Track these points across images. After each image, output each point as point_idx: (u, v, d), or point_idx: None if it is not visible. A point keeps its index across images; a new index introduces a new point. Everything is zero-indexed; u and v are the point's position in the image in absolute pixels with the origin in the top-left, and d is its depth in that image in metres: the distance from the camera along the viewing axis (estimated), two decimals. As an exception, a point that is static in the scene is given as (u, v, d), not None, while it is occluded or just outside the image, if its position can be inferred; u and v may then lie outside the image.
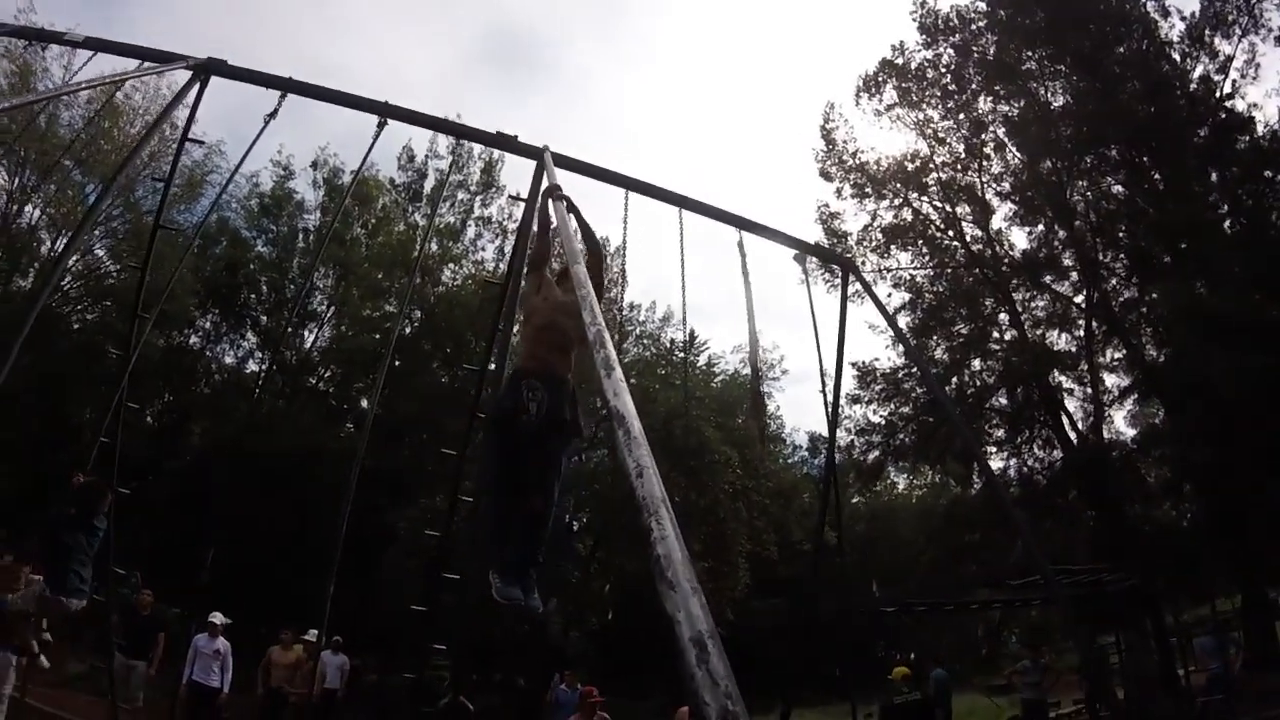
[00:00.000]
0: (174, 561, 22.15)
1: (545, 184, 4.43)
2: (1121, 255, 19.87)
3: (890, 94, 22.06)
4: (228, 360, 27.52)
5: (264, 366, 25.97)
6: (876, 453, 22.15)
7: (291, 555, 20.65)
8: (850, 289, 9.61)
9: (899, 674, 9.47)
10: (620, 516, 20.97)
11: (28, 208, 21.66)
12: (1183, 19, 19.30)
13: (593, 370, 1.87)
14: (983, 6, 21.13)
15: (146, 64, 7.23)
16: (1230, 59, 18.77)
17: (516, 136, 7.33)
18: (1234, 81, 18.71)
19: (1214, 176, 18.97)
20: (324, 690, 10.40)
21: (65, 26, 12.94)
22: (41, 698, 10.42)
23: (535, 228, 4.40)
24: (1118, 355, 20.45)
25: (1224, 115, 18.57)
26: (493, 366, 8.95)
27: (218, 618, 9.82)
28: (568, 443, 3.75)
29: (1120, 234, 19.68)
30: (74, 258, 21.92)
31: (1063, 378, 20.66)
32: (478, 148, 25.76)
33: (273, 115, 7.30)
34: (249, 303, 26.36)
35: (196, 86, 7.24)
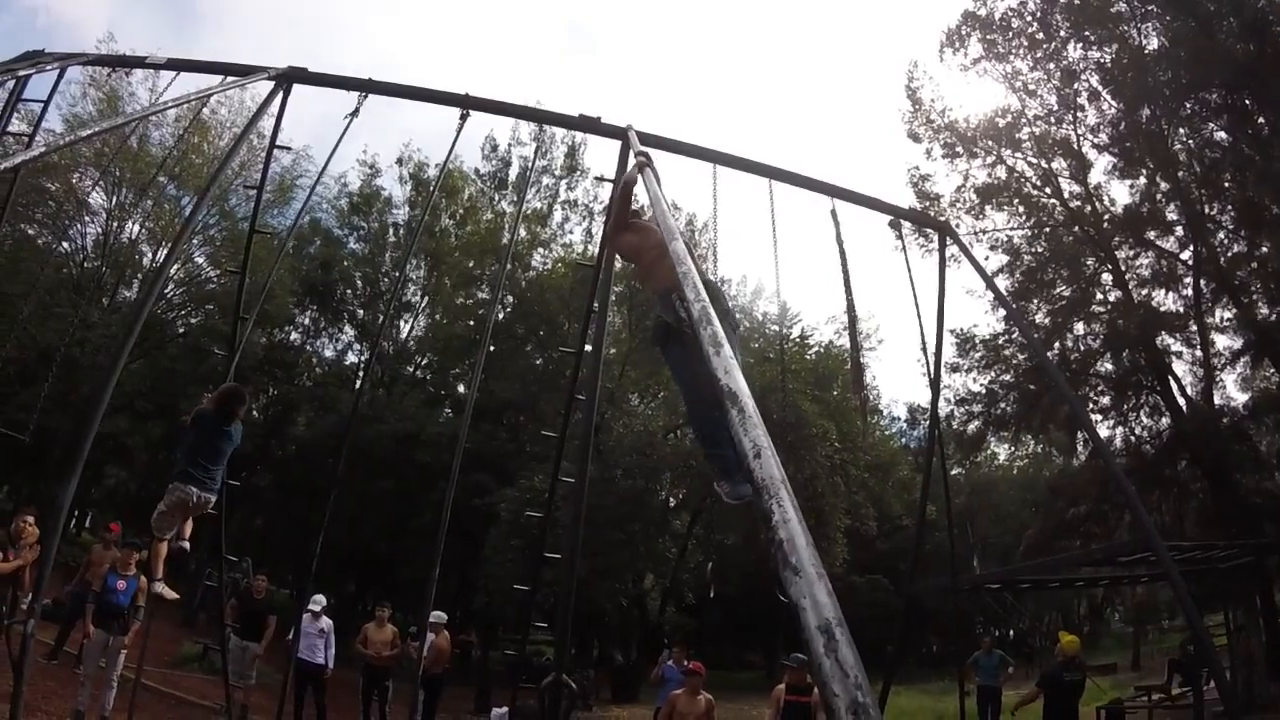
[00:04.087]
0: (283, 546, 23.62)
1: (633, 158, 4.39)
2: (1229, 207, 18.45)
3: (975, 47, 20.94)
4: (327, 354, 28.97)
5: (363, 358, 27.09)
6: (977, 423, 21.34)
7: (395, 537, 21.57)
8: (947, 253, 9.25)
9: (1069, 643, 8.97)
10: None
11: (127, 224, 23.01)
12: None
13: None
14: (1067, -52, 19.81)
15: (229, 78, 7.52)
16: (1329, -11, 17.01)
17: (600, 118, 7.29)
18: (1334, 14, 16.97)
19: (1322, 117, 17.32)
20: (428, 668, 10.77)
21: (145, 51, 13.65)
22: (157, 678, 11.12)
23: (618, 195, 4.43)
24: (1228, 315, 19.06)
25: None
26: (588, 348, 9.04)
27: (318, 602, 10.28)
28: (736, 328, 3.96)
29: (1226, 184, 18.25)
30: (175, 266, 23.33)
31: (1170, 340, 19.45)
32: (560, 133, 26.08)
33: (354, 114, 7.49)
34: (345, 298, 27.54)
35: (280, 95, 7.51)
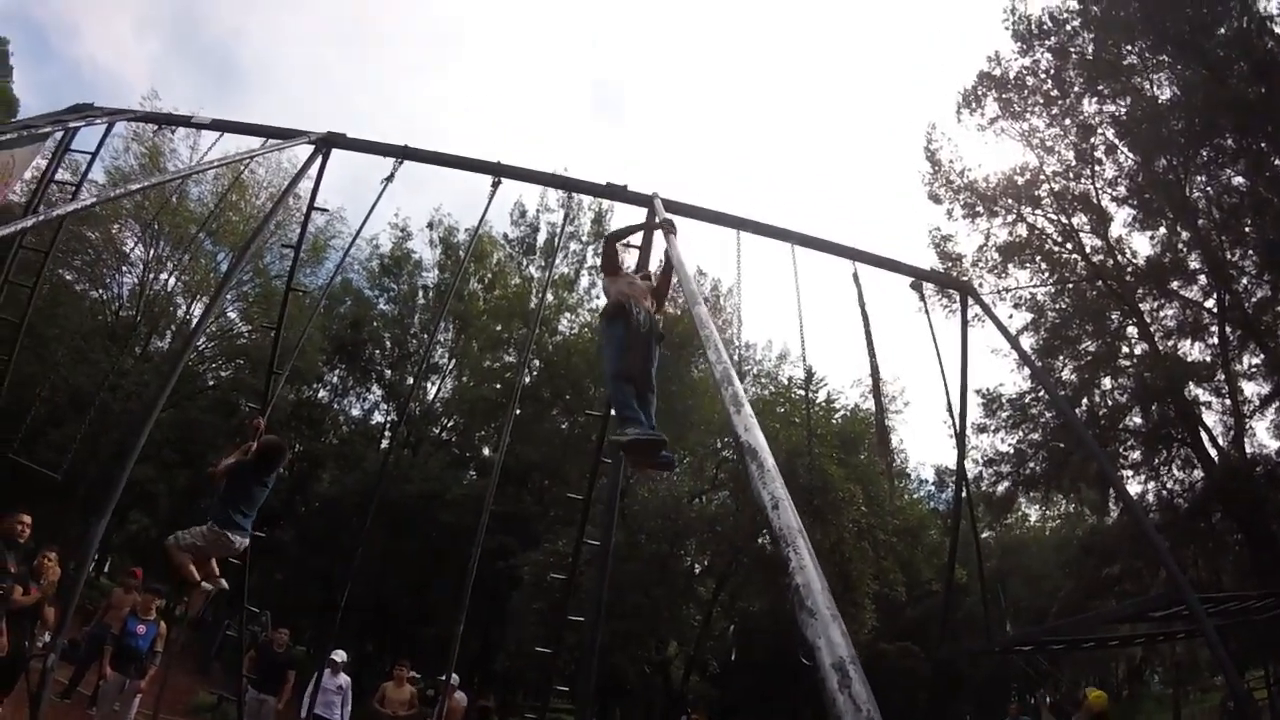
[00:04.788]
0: (303, 602, 23.57)
1: (656, 207, 5.69)
2: (1250, 252, 18.33)
3: (992, 107, 21.33)
4: (354, 412, 29.27)
5: (389, 417, 27.36)
6: (1006, 483, 21.00)
7: (418, 597, 21.44)
8: (970, 313, 9.29)
9: (1096, 698, 8.58)
10: (742, 556, 20.73)
11: (163, 275, 23.75)
12: None
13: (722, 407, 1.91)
14: (1075, 5, 20.14)
15: (270, 140, 7.88)
16: (1334, 22, 17.15)
17: (626, 186, 7.54)
18: (1342, 46, 17.09)
19: (1336, 154, 17.33)
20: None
21: (188, 110, 14.32)
22: None
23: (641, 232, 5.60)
24: (1256, 361, 18.79)
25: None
26: (614, 412, 9.11)
27: (340, 655, 10.22)
28: (652, 349, 4.74)
29: (1247, 229, 18.17)
30: (208, 320, 23.95)
31: (1199, 390, 19.15)
32: (588, 199, 26.71)
33: (389, 179, 7.79)
34: (374, 358, 27.99)
35: (319, 159, 7.85)
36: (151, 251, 23.44)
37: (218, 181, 21.72)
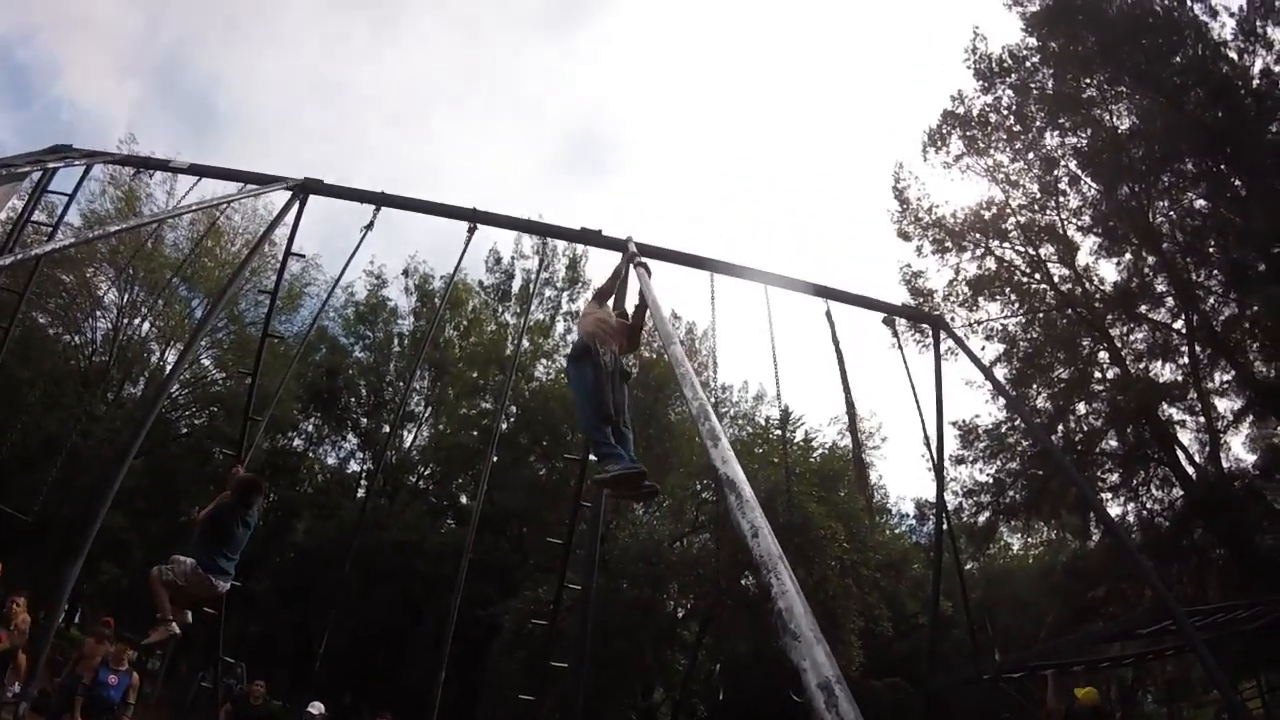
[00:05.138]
0: (280, 653, 22.94)
1: (630, 251, 5.72)
2: (1215, 271, 18.80)
3: (957, 144, 21.86)
4: (330, 461, 28.82)
5: (365, 466, 27.01)
6: (987, 513, 21.03)
7: (395, 647, 20.96)
8: (943, 346, 9.43)
9: (1086, 694, 8.40)
10: (726, 597, 20.55)
11: (137, 320, 23.54)
12: (1231, 15, 18.57)
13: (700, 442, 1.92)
14: (1033, 42, 20.84)
15: (248, 186, 7.90)
16: (1287, 45, 17.86)
17: (600, 231, 7.64)
18: (1296, 68, 17.80)
19: (1294, 170, 17.92)
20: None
21: (163, 153, 14.31)
22: None
23: (612, 274, 5.61)
24: (1226, 378, 19.16)
25: (1292, 106, 17.66)
26: (593, 457, 9.10)
27: (317, 708, 9.95)
28: (627, 383, 4.91)
29: (1210, 249, 18.68)
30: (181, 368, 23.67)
31: (1173, 409, 19.46)
32: (562, 245, 26.99)
33: (369, 228, 7.83)
34: (349, 406, 27.71)
35: (296, 205, 7.86)
36: (126, 296, 23.26)
37: (193, 227, 21.68)
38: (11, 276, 9.48)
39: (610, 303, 5.42)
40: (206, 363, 24.89)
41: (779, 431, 22.16)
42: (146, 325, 23.93)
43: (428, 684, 8.04)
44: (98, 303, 22.36)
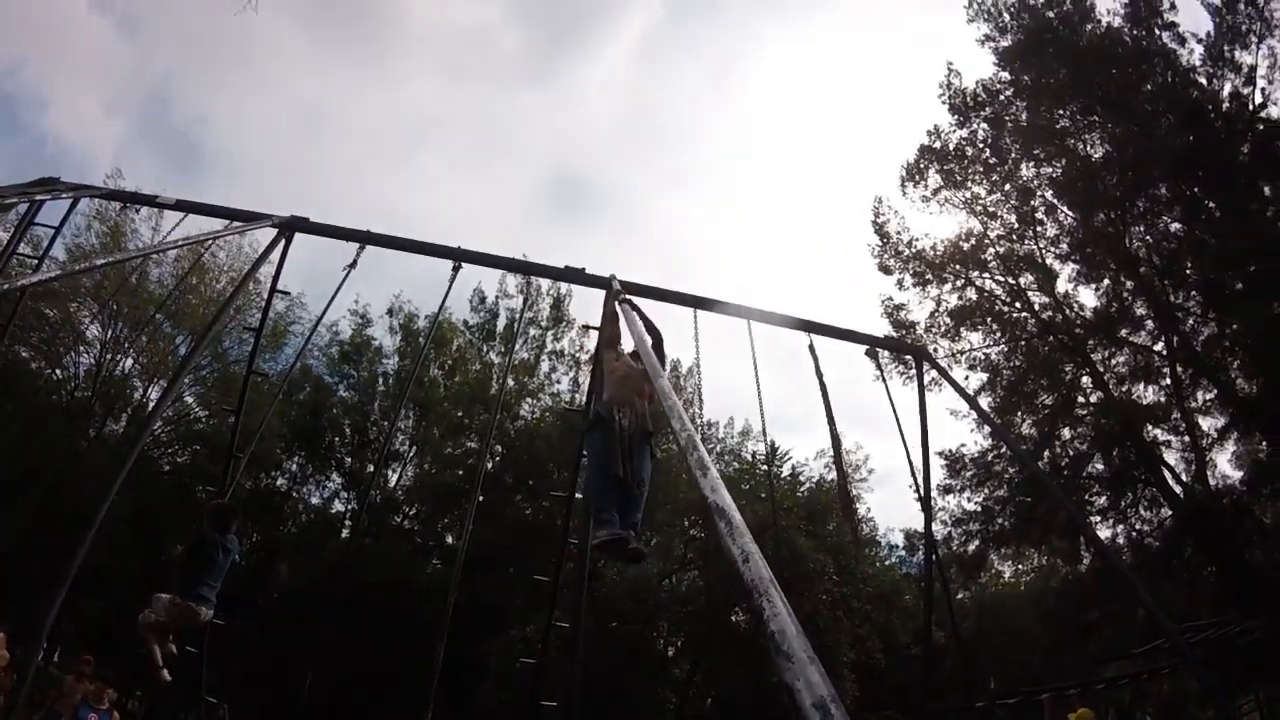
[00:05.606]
0: (262, 695, 22.39)
1: (614, 288, 5.93)
2: (1193, 293, 19.09)
3: (934, 178, 22.18)
4: (314, 500, 28.45)
5: (350, 506, 26.70)
6: (976, 542, 21.04)
7: (381, 688, 20.55)
8: (927, 377, 9.51)
9: (1082, 715, 8.23)
10: (716, 634, 20.36)
11: (119, 356, 23.31)
12: (1199, 41, 19.11)
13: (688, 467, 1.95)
14: (1006, 76, 21.33)
15: (234, 223, 7.92)
16: (1254, 68, 18.31)
17: (584, 269, 7.71)
18: (1263, 90, 18.22)
19: (1266, 190, 18.27)
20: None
21: (150, 190, 14.33)
22: None
23: (604, 318, 5.76)
24: (1209, 396, 19.38)
25: (1261, 127, 18.10)
26: (578, 495, 9.09)
27: None
28: (648, 443, 5.04)
29: (1188, 271, 18.96)
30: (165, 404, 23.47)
31: (1157, 430, 19.66)
32: (546, 284, 27.06)
33: (352, 265, 7.84)
34: (333, 445, 27.43)
35: (282, 243, 7.88)
36: (110, 332, 23.09)
37: (178, 264, 21.60)
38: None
39: (624, 347, 5.53)
40: (190, 400, 24.64)
41: (765, 466, 22.18)
42: (130, 361, 23.76)
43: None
44: (81, 338, 22.20)
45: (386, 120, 58.41)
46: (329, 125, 57.18)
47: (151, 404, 22.06)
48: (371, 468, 25.51)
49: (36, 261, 8.99)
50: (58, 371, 22.74)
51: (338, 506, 28.05)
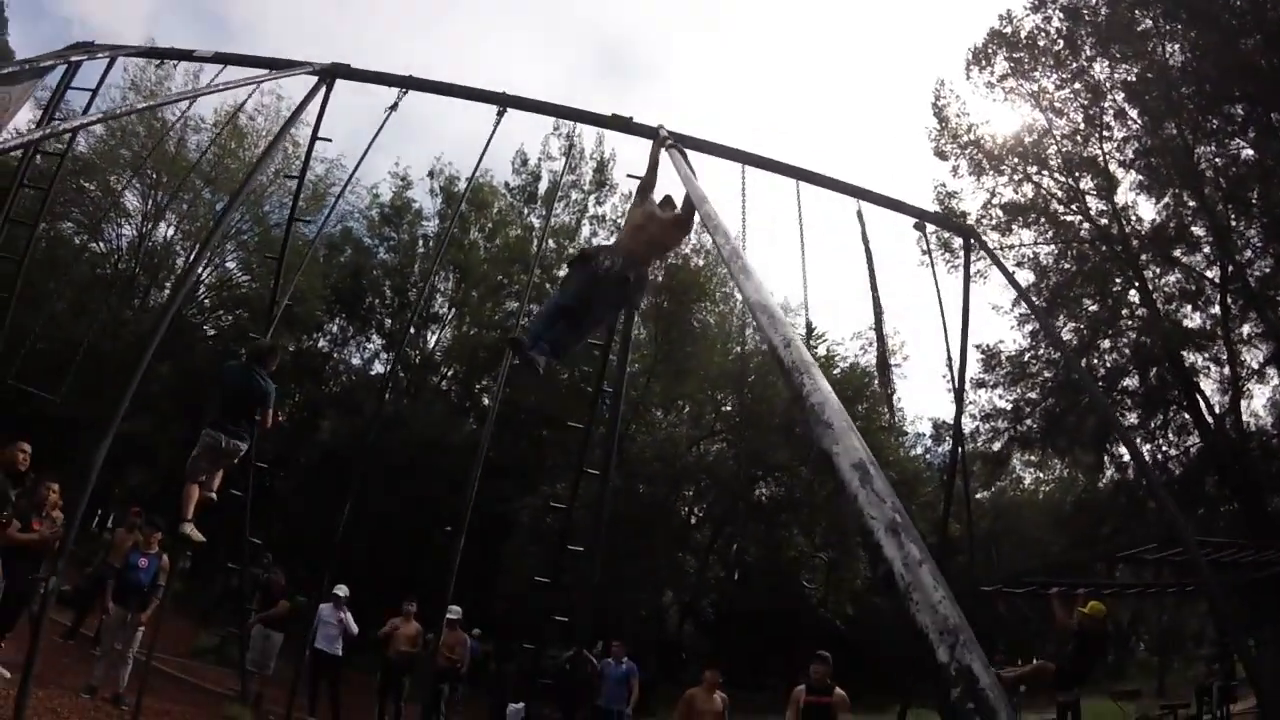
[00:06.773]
0: (304, 549, 23.72)
1: (661, 135, 5.86)
2: (1255, 223, 18.27)
3: (1001, 65, 20.99)
4: (354, 361, 29.21)
5: (389, 367, 27.35)
6: (1003, 439, 21.17)
7: (417, 544, 21.68)
8: (973, 267, 9.29)
9: (1094, 608, 8.33)
10: (739, 502, 20.95)
11: (161, 225, 23.58)
12: None
13: (727, 269, 1.95)
14: (1088, -35, 19.84)
15: (273, 72, 7.78)
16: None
17: (631, 118, 7.48)
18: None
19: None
20: (449, 663, 10.78)
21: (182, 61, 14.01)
22: (170, 665, 11.06)
23: (649, 167, 5.58)
24: (1256, 331, 18.85)
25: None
26: (613, 357, 9.19)
27: (342, 590, 10.34)
28: (621, 298, 5.20)
29: (1253, 200, 18.05)
30: (207, 271, 23.82)
31: (1197, 357, 19.28)
32: (589, 147, 26.60)
33: (393, 108, 7.73)
34: (374, 307, 27.86)
35: (322, 91, 7.75)
36: (150, 202, 23.21)
37: (216, 130, 21.45)
38: (35, 178, 9.58)
39: (657, 197, 5.49)
40: (231, 265, 25.02)
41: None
42: (171, 230, 24.00)
43: (444, 578, 8.30)
44: (120, 208, 22.38)
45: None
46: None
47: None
48: (412, 330, 25.93)
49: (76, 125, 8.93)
50: (100, 244, 23.05)
51: (378, 368, 28.77)
